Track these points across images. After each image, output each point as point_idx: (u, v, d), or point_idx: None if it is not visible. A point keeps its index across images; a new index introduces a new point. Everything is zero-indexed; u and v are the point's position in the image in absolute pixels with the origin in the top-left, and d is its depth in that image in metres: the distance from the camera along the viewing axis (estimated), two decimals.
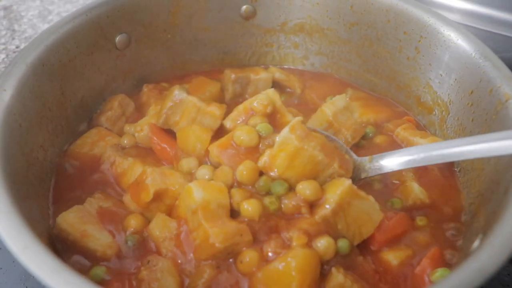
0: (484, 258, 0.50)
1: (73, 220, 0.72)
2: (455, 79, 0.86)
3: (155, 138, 0.85)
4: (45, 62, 0.79)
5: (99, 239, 0.72)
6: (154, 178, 0.73)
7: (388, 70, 0.99)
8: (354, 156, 0.82)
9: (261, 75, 1.01)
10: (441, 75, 0.90)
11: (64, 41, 0.83)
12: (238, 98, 1.00)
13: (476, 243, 0.63)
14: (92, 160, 0.85)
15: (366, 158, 0.80)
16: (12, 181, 0.64)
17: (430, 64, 0.91)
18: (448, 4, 1.45)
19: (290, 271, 0.64)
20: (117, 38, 0.93)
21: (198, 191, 0.70)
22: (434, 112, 0.93)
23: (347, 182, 0.70)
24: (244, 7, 1.03)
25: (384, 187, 0.83)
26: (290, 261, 0.64)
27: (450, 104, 0.88)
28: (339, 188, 0.70)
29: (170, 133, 0.86)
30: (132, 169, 0.81)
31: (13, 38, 1.29)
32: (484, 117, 0.78)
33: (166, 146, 0.85)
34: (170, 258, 0.70)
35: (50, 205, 0.79)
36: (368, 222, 0.72)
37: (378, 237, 0.73)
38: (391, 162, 0.77)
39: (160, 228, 0.72)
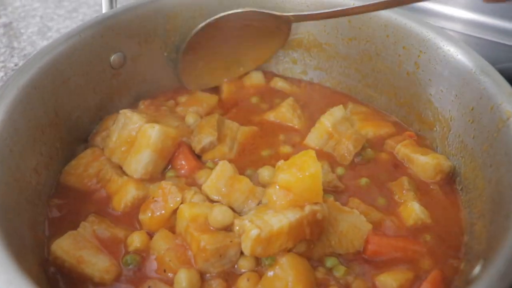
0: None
1: (68, 247, 0.71)
2: (456, 95, 0.84)
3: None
4: (38, 84, 0.78)
5: (95, 264, 0.70)
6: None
7: (388, 85, 0.98)
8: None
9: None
10: (442, 91, 0.88)
11: (57, 63, 0.82)
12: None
13: (477, 269, 0.61)
14: (87, 180, 0.84)
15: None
16: (2, 209, 0.63)
17: (430, 79, 0.90)
18: (449, 14, 1.44)
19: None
20: (112, 57, 0.92)
21: (187, 209, 0.72)
22: (435, 128, 0.91)
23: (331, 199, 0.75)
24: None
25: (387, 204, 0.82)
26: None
27: (451, 121, 0.86)
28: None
29: None
30: (125, 188, 0.81)
31: (12, 56, 1.29)
32: (485, 135, 0.76)
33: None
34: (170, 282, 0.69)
35: (46, 230, 0.77)
36: (358, 234, 0.73)
37: (371, 248, 0.73)
38: None
39: (164, 239, 0.73)
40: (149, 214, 0.76)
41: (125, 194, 0.80)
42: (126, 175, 0.83)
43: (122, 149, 0.84)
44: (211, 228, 0.71)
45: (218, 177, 0.77)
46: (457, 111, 0.85)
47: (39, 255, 0.72)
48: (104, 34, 0.89)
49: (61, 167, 0.85)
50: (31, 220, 0.73)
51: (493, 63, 1.10)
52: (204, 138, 0.87)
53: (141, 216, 0.77)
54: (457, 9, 1.42)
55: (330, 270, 0.71)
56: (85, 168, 0.85)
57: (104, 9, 0.96)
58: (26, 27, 1.41)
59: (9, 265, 0.53)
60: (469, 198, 0.79)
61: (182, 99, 1.01)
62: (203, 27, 0.96)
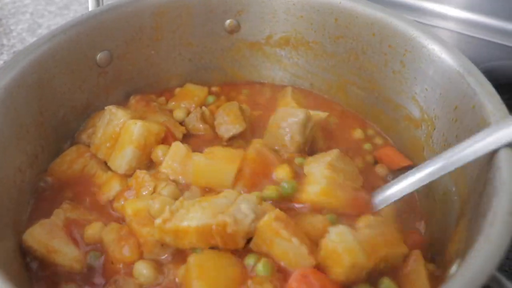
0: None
1: (40, 236, 0.72)
2: (440, 94, 0.85)
3: None
4: (21, 83, 0.78)
5: (66, 253, 0.71)
6: None
7: (374, 83, 0.98)
8: None
9: None
10: (427, 89, 0.88)
11: (42, 61, 0.82)
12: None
13: (453, 268, 0.61)
14: (71, 177, 0.85)
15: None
16: None
17: (415, 78, 0.90)
18: (442, 12, 1.44)
19: None
20: (98, 56, 0.92)
21: (129, 205, 0.75)
22: (421, 127, 0.91)
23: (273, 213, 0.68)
24: (228, 21, 1.02)
25: None
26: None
27: (435, 119, 0.87)
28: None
29: None
30: (109, 183, 0.82)
31: (2, 53, 1.29)
32: (467, 134, 0.76)
33: None
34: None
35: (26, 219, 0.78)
36: (297, 266, 0.66)
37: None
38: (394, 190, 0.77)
39: (110, 231, 0.74)
40: (122, 202, 0.78)
41: (109, 189, 0.81)
42: (111, 170, 0.84)
43: (107, 145, 0.85)
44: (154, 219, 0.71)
45: (173, 157, 0.80)
46: (441, 109, 0.85)
47: (20, 255, 0.72)
48: (90, 33, 0.89)
49: (47, 165, 0.86)
50: (14, 219, 0.73)
51: (484, 61, 1.11)
52: (232, 128, 0.90)
53: (115, 204, 0.79)
54: (450, 7, 1.43)
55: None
56: (69, 165, 0.85)
57: (91, 7, 0.96)
58: (16, 23, 1.41)
59: None
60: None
61: (173, 93, 1.02)
62: None
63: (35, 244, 0.71)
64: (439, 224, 0.81)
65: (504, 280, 0.53)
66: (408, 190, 0.76)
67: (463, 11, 1.40)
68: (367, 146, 0.96)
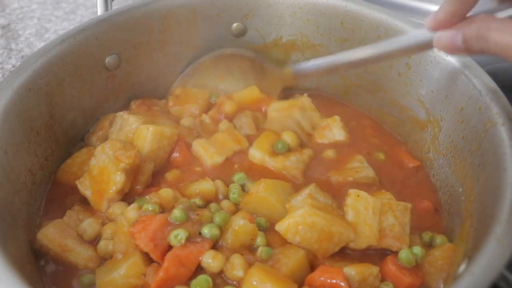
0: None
1: (53, 235, 0.73)
2: (446, 96, 0.85)
3: None
4: (32, 86, 0.79)
5: (80, 252, 0.73)
6: None
7: (380, 86, 0.99)
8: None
9: None
10: (432, 92, 0.89)
11: (52, 65, 0.83)
12: None
13: (462, 267, 0.62)
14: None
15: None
16: None
17: (421, 80, 0.91)
18: None
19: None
20: (107, 59, 0.93)
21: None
22: (426, 129, 0.92)
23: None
24: (235, 24, 1.03)
25: None
26: None
27: (441, 121, 0.87)
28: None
29: None
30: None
31: (10, 57, 1.30)
32: (474, 135, 0.77)
33: None
34: None
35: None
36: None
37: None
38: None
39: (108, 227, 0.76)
40: None
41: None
42: None
43: None
44: None
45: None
46: (447, 111, 0.86)
47: (31, 255, 0.73)
48: (98, 36, 0.90)
49: (57, 168, 0.87)
50: (26, 221, 0.74)
51: (488, 63, 1.12)
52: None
53: None
54: None
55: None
56: (80, 166, 0.86)
57: (99, 11, 0.97)
58: (23, 28, 1.42)
59: (5, 270, 0.55)
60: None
61: (175, 97, 1.02)
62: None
63: (49, 243, 0.72)
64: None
65: None
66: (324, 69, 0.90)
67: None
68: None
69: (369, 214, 0.73)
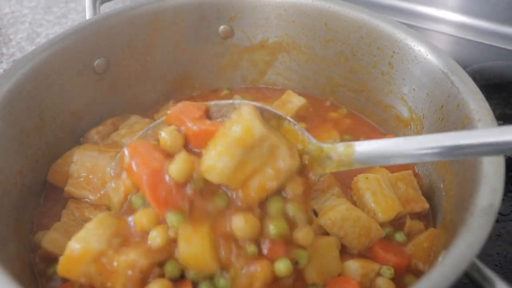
0: (436, 278, 0.52)
1: (58, 240, 0.74)
2: (427, 94, 0.87)
3: None
4: (21, 89, 0.80)
5: None
6: None
7: (364, 85, 1.01)
8: (312, 138, 0.70)
9: None
10: (414, 90, 0.91)
11: (41, 68, 0.84)
12: None
13: (440, 259, 0.64)
14: None
15: (334, 145, 0.69)
16: None
17: (403, 79, 0.93)
18: (434, 15, 1.47)
19: None
20: (96, 63, 0.95)
21: None
22: (410, 126, 0.94)
23: None
24: (222, 27, 1.05)
25: None
26: None
27: (423, 118, 0.89)
28: None
29: None
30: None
31: (1, 62, 1.32)
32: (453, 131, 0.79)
33: None
34: None
35: (34, 229, 0.81)
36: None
37: None
38: (371, 152, 0.64)
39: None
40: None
41: None
42: None
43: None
44: None
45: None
46: (428, 109, 0.88)
47: (26, 258, 0.75)
48: (87, 40, 0.92)
49: (47, 169, 0.88)
50: (16, 222, 0.76)
51: (475, 62, 1.14)
52: None
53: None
54: (442, 10, 1.46)
55: None
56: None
57: (88, 15, 0.99)
58: (15, 33, 1.44)
59: None
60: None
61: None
62: None
63: (56, 249, 0.72)
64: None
65: (483, 267, 0.55)
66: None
67: (455, 14, 1.44)
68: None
69: (385, 188, 0.79)
